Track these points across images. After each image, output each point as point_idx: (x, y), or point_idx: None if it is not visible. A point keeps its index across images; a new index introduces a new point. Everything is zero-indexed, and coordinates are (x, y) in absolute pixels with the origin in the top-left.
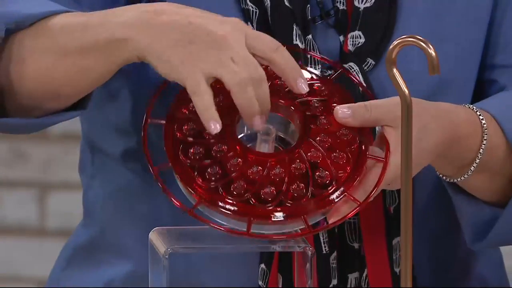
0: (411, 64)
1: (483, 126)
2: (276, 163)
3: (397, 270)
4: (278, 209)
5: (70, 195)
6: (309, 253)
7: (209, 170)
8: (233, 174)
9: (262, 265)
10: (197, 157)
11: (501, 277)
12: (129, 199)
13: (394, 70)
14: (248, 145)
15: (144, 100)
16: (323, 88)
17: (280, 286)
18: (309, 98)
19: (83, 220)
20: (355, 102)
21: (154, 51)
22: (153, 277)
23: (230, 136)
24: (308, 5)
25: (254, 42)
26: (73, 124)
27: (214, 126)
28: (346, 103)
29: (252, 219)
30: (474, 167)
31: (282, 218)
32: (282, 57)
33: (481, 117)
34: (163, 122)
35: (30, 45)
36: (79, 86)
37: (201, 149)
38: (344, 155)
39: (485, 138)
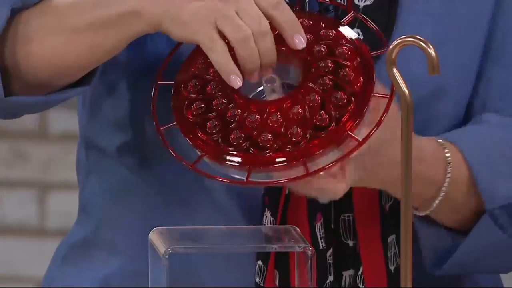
0: (409, 67)
1: (448, 161)
2: (274, 110)
3: (391, 267)
4: (278, 154)
5: (70, 195)
6: (309, 253)
7: (208, 123)
8: (232, 125)
9: (259, 262)
10: (199, 112)
11: (495, 277)
12: (125, 196)
13: (394, 70)
14: (263, 99)
15: (141, 93)
16: (330, 33)
17: (277, 282)
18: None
19: (78, 217)
20: (363, 47)
21: (168, 16)
22: (153, 277)
23: (232, 89)
24: (307, 0)
25: None
26: (73, 124)
27: (235, 80)
28: (353, 48)
29: (251, 167)
30: (438, 200)
31: (281, 163)
32: (281, 14)
33: (446, 150)
34: (172, 82)
35: (36, 23)
36: (88, 62)
37: (203, 105)
38: (345, 96)
39: (448, 171)
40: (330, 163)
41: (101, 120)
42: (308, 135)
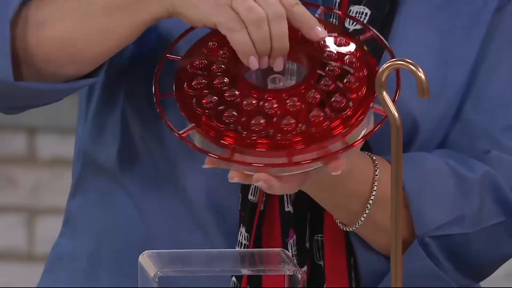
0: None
1: (375, 179)
2: (272, 97)
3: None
4: (264, 140)
5: (59, 220)
6: (299, 276)
7: (205, 99)
8: (227, 104)
9: (233, 278)
10: (199, 86)
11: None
12: (110, 209)
13: (384, 93)
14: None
15: (133, 102)
16: (344, 41)
17: None
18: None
19: (62, 229)
20: (372, 61)
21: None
22: None
23: (236, 72)
24: None
25: None
26: (62, 149)
27: (254, 61)
28: (363, 60)
29: (234, 147)
30: (364, 217)
31: (265, 149)
32: (298, 11)
33: (376, 168)
34: (179, 57)
35: (49, 9)
36: (100, 48)
37: (204, 81)
38: (344, 100)
39: (374, 189)
40: (308, 160)
41: (93, 130)
42: (299, 129)
